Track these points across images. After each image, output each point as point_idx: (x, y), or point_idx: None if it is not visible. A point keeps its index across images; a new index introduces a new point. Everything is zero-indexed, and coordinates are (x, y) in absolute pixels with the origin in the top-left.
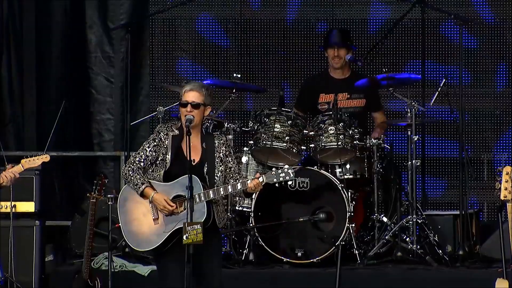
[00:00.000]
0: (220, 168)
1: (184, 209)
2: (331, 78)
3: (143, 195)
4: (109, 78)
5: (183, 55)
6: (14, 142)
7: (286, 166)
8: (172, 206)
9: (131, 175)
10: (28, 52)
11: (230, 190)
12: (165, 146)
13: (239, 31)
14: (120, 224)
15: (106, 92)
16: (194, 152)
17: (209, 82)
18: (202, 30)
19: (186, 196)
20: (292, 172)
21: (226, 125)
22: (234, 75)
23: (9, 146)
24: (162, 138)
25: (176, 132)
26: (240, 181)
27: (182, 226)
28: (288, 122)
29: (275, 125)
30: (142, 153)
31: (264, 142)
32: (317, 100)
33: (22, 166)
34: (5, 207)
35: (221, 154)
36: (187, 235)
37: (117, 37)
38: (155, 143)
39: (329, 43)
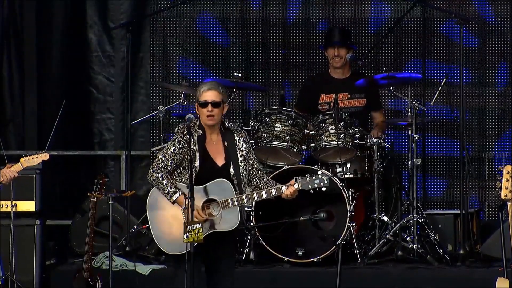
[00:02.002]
0: (244, 167)
1: (218, 213)
2: (332, 78)
3: (174, 202)
4: (110, 78)
5: (183, 54)
6: (15, 142)
7: (320, 172)
8: (202, 217)
9: (161, 181)
10: (28, 51)
11: (264, 195)
12: (192, 148)
13: (239, 30)
14: (148, 226)
15: (107, 91)
16: (218, 153)
17: (209, 81)
18: (203, 29)
19: (218, 200)
20: (326, 179)
21: (226, 124)
22: (235, 74)
23: (10, 146)
24: (187, 140)
25: (200, 132)
26: (274, 187)
27: (214, 230)
28: (289, 121)
29: (276, 125)
30: (169, 156)
31: (264, 141)
32: (317, 100)
33: (21, 165)
34: (6, 206)
35: (244, 152)
36: (187, 234)
37: (117, 36)
38: (180, 145)
39: (329, 42)
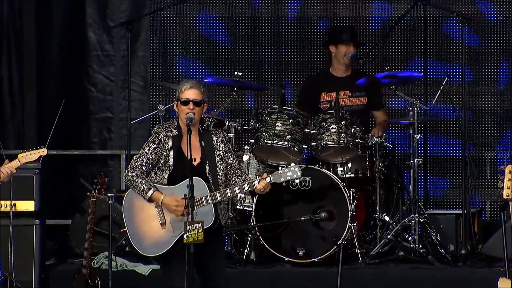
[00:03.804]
0: (221, 166)
1: (192, 211)
2: (332, 77)
3: (150, 200)
4: (109, 77)
5: (183, 53)
6: (14, 141)
7: (292, 164)
8: (182, 207)
9: (136, 180)
10: (28, 50)
11: (237, 191)
12: (166, 148)
13: (240, 29)
14: (126, 229)
15: (106, 90)
16: (194, 151)
17: (210, 80)
18: (203, 28)
19: (193, 198)
20: (299, 171)
21: (227, 123)
22: (235, 73)
23: (9, 145)
24: (162, 140)
25: (175, 132)
26: (247, 182)
27: None
28: (290, 120)
29: (277, 124)
30: (143, 156)
31: (265, 140)
32: (318, 99)
33: (19, 161)
34: (5, 206)
35: (221, 152)
36: (188, 234)
37: (117, 35)
38: (155, 145)
39: (340, 39)
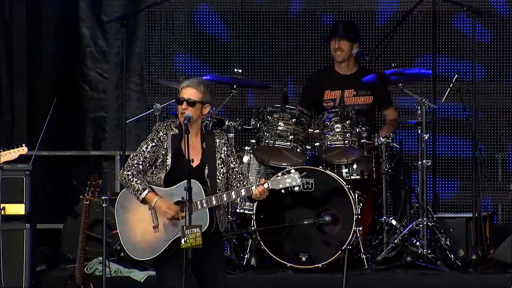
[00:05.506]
0: (222, 170)
1: (190, 214)
2: (337, 74)
3: (144, 201)
4: (103, 74)
5: (181, 49)
6: (4, 141)
7: (292, 171)
8: (173, 212)
9: (131, 179)
10: (18, 46)
11: (233, 196)
12: (164, 147)
13: (240, 24)
14: (117, 231)
15: (100, 88)
16: (194, 153)
17: (208, 77)
18: (201, 23)
19: (191, 201)
20: (299, 177)
21: (226, 123)
22: (235, 70)
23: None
24: (161, 138)
25: (176, 131)
26: (244, 187)
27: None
28: (292, 120)
29: (279, 123)
30: (140, 155)
31: (266, 141)
32: (322, 97)
33: None
34: None
35: (222, 155)
36: (185, 239)
37: (111, 30)
38: (153, 143)
39: (331, 34)
